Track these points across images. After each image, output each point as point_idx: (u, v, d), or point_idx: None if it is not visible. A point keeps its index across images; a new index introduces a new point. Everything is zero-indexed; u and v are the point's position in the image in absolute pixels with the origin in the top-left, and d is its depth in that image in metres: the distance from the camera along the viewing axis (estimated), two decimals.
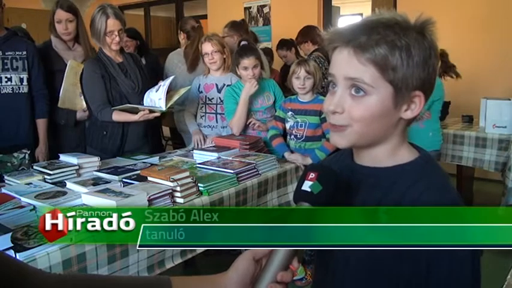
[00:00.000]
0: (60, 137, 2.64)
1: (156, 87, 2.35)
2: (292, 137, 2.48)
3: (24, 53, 2.38)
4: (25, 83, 2.39)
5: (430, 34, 0.74)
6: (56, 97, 2.54)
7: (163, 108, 2.29)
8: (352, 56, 0.73)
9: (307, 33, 3.96)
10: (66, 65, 2.54)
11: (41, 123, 2.50)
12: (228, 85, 2.68)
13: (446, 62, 3.12)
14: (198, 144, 2.69)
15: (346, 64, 0.74)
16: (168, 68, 3.07)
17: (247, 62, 2.48)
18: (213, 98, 2.74)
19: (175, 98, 2.40)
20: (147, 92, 2.39)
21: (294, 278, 0.75)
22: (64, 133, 2.63)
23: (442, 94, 2.89)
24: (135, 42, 3.52)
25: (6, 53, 2.34)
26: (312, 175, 0.73)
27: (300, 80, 2.39)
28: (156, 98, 2.31)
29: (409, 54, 0.71)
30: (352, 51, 0.73)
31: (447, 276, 0.69)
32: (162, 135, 4.42)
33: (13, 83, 2.35)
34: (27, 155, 2.42)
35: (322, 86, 3.02)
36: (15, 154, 2.40)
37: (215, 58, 2.64)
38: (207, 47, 2.64)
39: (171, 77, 2.42)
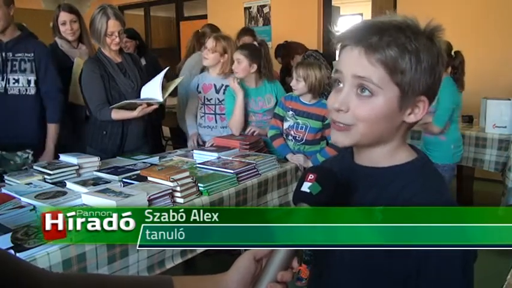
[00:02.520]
0: (74, 132, 2.69)
1: (151, 81, 2.37)
2: (291, 138, 2.45)
3: (32, 54, 2.40)
4: (32, 84, 2.39)
5: (438, 41, 0.74)
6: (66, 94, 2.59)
7: (161, 100, 2.30)
8: (363, 55, 0.73)
9: (288, 50, 4.01)
10: (73, 62, 2.62)
11: (50, 129, 2.46)
12: (226, 85, 2.68)
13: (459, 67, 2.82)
14: (191, 147, 2.73)
15: (355, 63, 0.74)
16: (185, 70, 3.10)
17: (235, 55, 2.54)
18: (211, 99, 2.74)
19: (171, 88, 2.43)
20: (142, 88, 2.40)
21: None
22: (75, 128, 2.68)
23: (460, 101, 2.77)
24: (135, 42, 3.54)
25: (16, 55, 2.36)
26: (311, 176, 0.74)
27: (293, 80, 2.41)
28: (152, 91, 2.32)
29: (418, 59, 0.72)
30: (363, 50, 0.73)
31: (436, 276, 0.70)
32: (162, 135, 4.42)
33: (20, 84, 2.36)
34: (30, 155, 2.43)
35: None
36: (19, 153, 2.41)
37: (208, 55, 2.66)
38: (208, 43, 2.67)
39: (165, 69, 2.43)
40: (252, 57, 2.52)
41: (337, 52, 0.80)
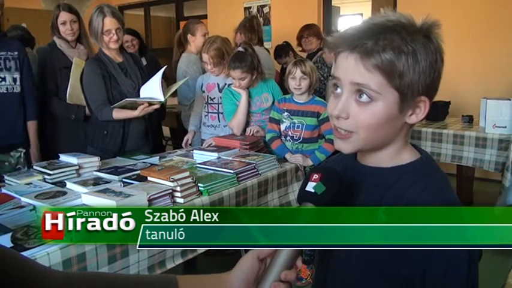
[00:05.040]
0: (71, 132, 2.68)
1: (150, 80, 2.37)
2: (289, 138, 2.45)
3: (16, 53, 2.40)
4: (18, 83, 2.40)
5: (436, 38, 0.73)
6: (65, 94, 2.59)
7: (162, 99, 2.30)
8: (359, 62, 0.72)
9: (313, 28, 4.01)
10: (72, 62, 2.60)
11: (31, 126, 2.51)
12: (229, 84, 2.69)
13: None
14: (184, 143, 2.78)
15: (352, 70, 0.73)
16: (180, 76, 3.11)
17: (233, 74, 2.51)
18: (214, 98, 2.75)
19: (174, 88, 2.45)
20: (141, 87, 2.39)
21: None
22: (74, 128, 2.67)
23: None
24: (138, 41, 3.54)
25: (0, 53, 2.35)
26: (315, 176, 0.74)
27: (296, 80, 2.36)
28: (152, 90, 2.32)
29: (415, 60, 0.71)
30: (358, 57, 0.72)
31: (442, 276, 0.70)
32: (162, 135, 4.42)
33: (7, 82, 2.37)
34: (22, 153, 2.44)
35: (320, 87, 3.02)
36: (12, 153, 2.41)
37: (214, 68, 2.70)
38: (205, 58, 2.69)
39: (163, 68, 2.43)
40: (251, 68, 2.52)
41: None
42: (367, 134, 0.75)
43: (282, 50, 4.27)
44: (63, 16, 2.67)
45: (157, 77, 2.32)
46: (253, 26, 3.53)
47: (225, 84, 2.72)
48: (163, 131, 4.59)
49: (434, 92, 0.76)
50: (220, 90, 2.73)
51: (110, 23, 2.32)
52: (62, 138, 2.71)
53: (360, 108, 0.73)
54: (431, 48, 0.72)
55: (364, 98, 0.73)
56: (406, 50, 0.70)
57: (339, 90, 0.76)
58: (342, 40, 0.74)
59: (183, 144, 2.79)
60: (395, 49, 0.70)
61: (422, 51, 0.71)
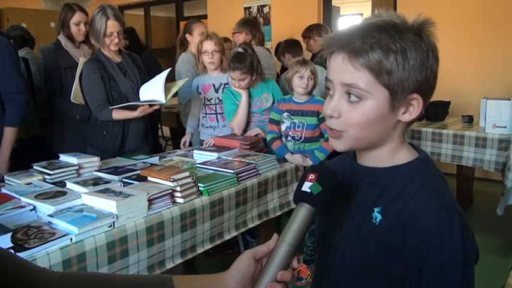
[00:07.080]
0: (71, 132, 2.66)
1: (152, 80, 2.36)
2: (290, 138, 2.45)
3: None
4: None
5: (428, 35, 0.73)
6: (69, 93, 2.57)
7: (164, 101, 2.29)
8: (347, 61, 0.72)
9: (322, 27, 3.99)
10: (77, 62, 2.59)
11: (6, 132, 2.20)
12: (225, 84, 2.68)
13: None
14: (182, 144, 2.77)
15: (341, 70, 0.73)
16: (181, 71, 3.09)
17: (233, 75, 2.51)
18: (211, 99, 2.74)
19: (174, 90, 2.42)
20: (142, 87, 2.39)
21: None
22: (75, 128, 2.66)
23: None
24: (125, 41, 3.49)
25: None
26: (311, 176, 0.73)
27: (304, 79, 2.36)
28: (154, 92, 2.31)
29: (404, 57, 0.70)
30: (346, 56, 0.72)
31: (437, 276, 0.69)
32: (162, 135, 4.43)
33: None
34: None
35: None
36: None
37: (214, 58, 2.66)
38: (208, 46, 2.65)
39: (167, 70, 2.41)
40: (251, 69, 2.52)
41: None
42: (358, 132, 0.75)
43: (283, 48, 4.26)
44: (79, 17, 2.67)
45: (161, 79, 2.30)
46: (259, 26, 3.53)
47: (221, 84, 2.71)
48: (163, 131, 4.61)
49: (429, 89, 0.75)
50: (216, 91, 2.72)
51: (113, 26, 2.33)
52: (62, 138, 2.71)
53: (351, 107, 0.74)
54: (422, 46, 0.72)
55: (354, 97, 0.73)
56: (394, 48, 0.70)
57: (331, 91, 0.77)
58: (332, 40, 0.75)
59: (181, 146, 2.78)
60: (383, 47, 0.70)
61: (412, 49, 0.71)
